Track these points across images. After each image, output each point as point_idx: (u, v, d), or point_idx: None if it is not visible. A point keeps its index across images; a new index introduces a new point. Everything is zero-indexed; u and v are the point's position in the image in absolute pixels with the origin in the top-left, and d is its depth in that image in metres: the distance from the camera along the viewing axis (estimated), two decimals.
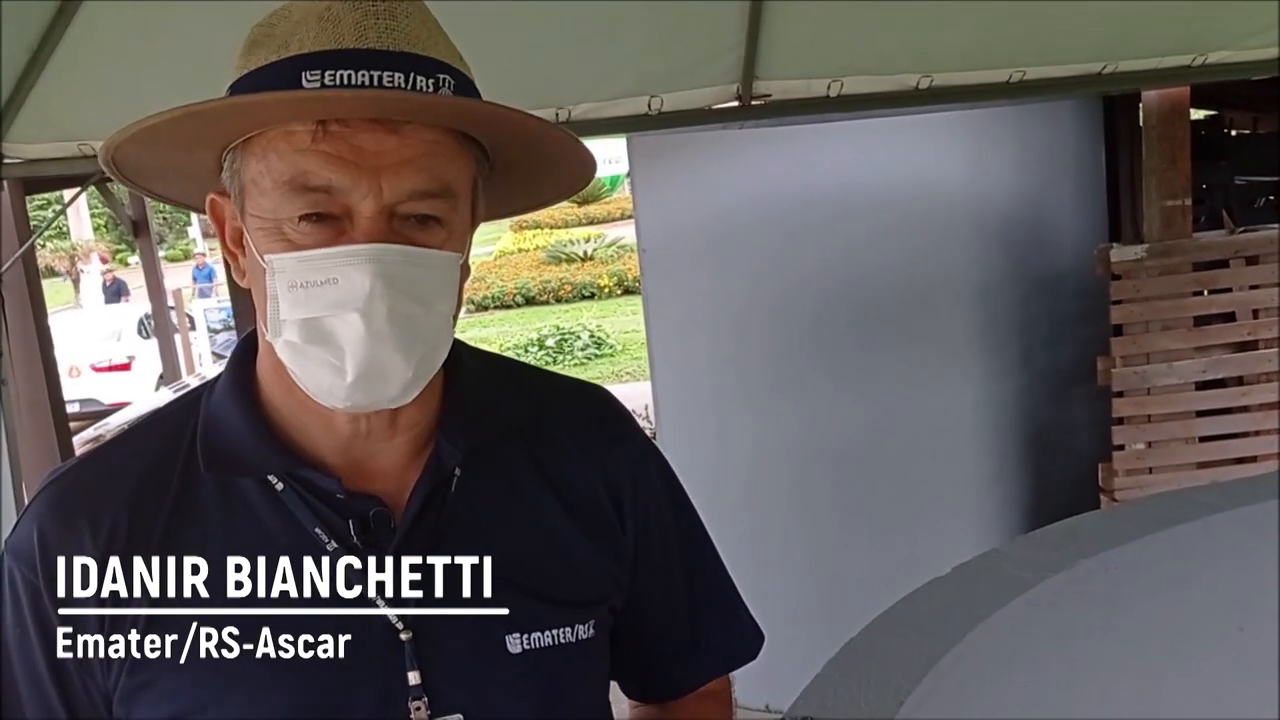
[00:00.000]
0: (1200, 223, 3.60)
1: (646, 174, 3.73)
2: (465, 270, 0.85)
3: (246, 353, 0.90)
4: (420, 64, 0.80)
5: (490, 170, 0.87)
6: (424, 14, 0.84)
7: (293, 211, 0.78)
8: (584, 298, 15.95)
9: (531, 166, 0.88)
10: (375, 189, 0.77)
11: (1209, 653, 1.49)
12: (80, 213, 19.83)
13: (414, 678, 0.83)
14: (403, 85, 0.78)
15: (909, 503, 3.57)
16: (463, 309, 0.85)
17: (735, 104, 2.82)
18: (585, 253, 18.20)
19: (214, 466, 0.85)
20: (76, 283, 18.60)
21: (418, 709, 0.82)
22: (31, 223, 3.57)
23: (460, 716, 0.84)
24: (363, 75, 0.77)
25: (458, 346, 0.90)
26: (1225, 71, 2.90)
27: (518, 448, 0.93)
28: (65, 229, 19.77)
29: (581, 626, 0.89)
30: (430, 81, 0.80)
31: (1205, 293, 3.38)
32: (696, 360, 3.57)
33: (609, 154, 25.02)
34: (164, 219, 24.05)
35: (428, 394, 0.86)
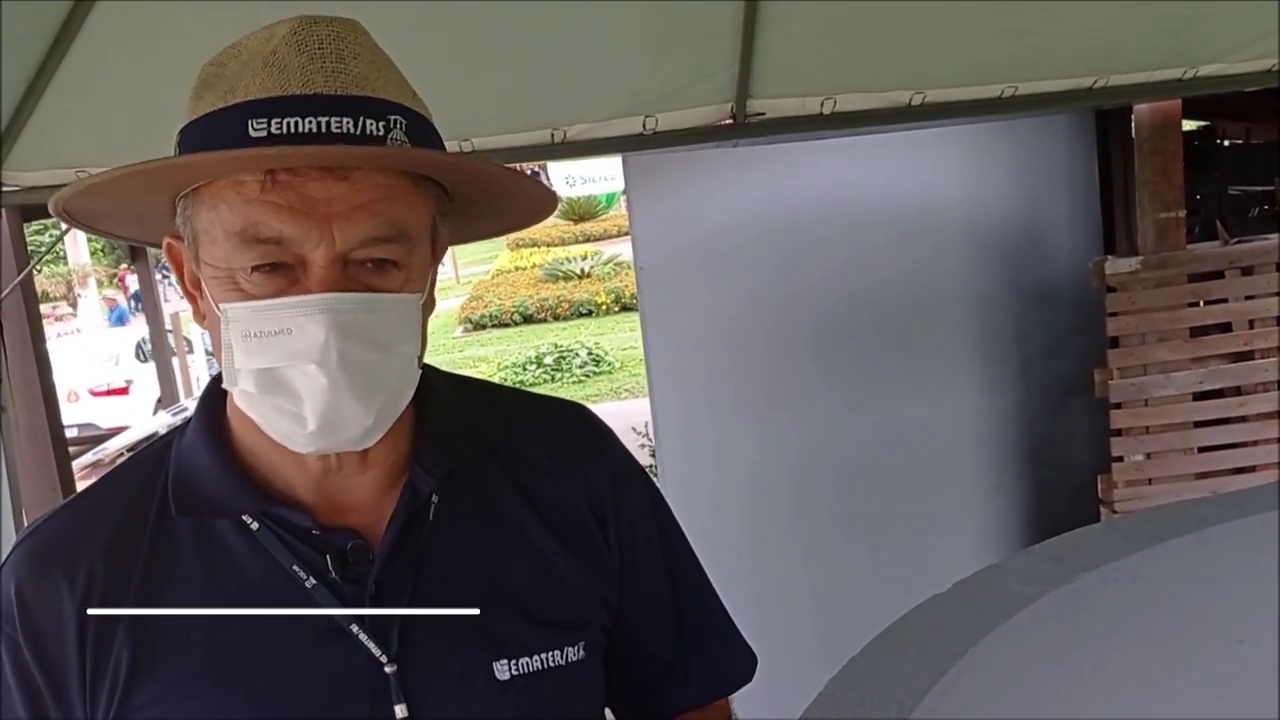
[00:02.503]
0: (1194, 233, 3.62)
1: (643, 192, 3.74)
2: (429, 306, 0.85)
3: (215, 394, 0.89)
4: (369, 107, 0.78)
5: (451, 201, 0.86)
6: (373, 52, 0.82)
7: (245, 262, 0.77)
8: (581, 315, 15.95)
9: (491, 201, 0.88)
10: (327, 237, 0.76)
11: (1211, 666, 1.49)
12: (78, 236, 19.86)
13: (401, 710, 0.82)
14: (351, 130, 0.77)
15: (909, 517, 3.57)
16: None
17: (729, 122, 2.83)
18: (582, 270, 18.21)
19: (186, 509, 0.84)
20: (74, 307, 18.59)
21: None
22: (29, 248, 3.57)
23: None
24: (310, 122, 0.76)
25: (428, 373, 0.89)
26: (1217, 84, 2.92)
27: (495, 470, 0.91)
28: (63, 254, 19.78)
29: (571, 649, 0.87)
30: (380, 125, 0.78)
31: (1201, 304, 3.39)
32: (695, 377, 3.57)
33: (605, 171, 25.10)
34: None
35: (399, 426, 0.85)
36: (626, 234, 3.58)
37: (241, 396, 0.79)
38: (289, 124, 0.76)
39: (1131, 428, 3.37)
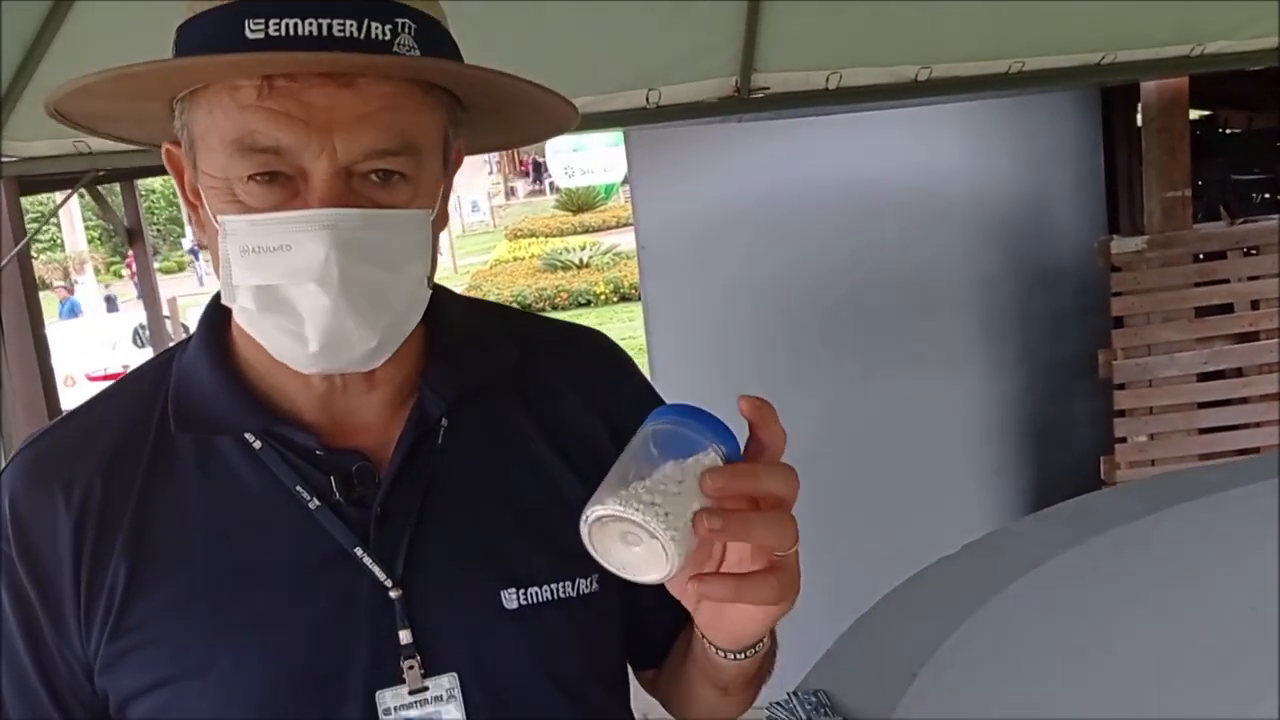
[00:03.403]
0: (1198, 218, 3.59)
1: (645, 170, 3.72)
2: (441, 222, 0.81)
3: (218, 310, 0.85)
4: (374, 9, 0.73)
5: (464, 111, 0.81)
6: None
7: (241, 172, 0.73)
8: (580, 305, 15.93)
9: (508, 112, 0.84)
10: (328, 148, 0.72)
11: (1220, 629, 1.48)
12: (75, 224, 19.81)
13: (405, 636, 0.79)
14: (355, 34, 0.72)
15: (911, 498, 3.55)
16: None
17: (734, 96, 2.81)
18: (581, 260, 18.18)
19: (186, 425, 0.81)
20: (71, 293, 18.55)
21: (410, 668, 0.79)
22: (28, 227, 3.55)
23: (455, 676, 0.80)
24: (310, 24, 0.71)
25: (439, 293, 0.86)
26: (1224, 61, 2.90)
27: (508, 394, 0.88)
28: (60, 241, 19.74)
29: (584, 581, 0.84)
30: (386, 29, 0.73)
31: (1206, 284, 3.37)
32: (697, 357, 3.55)
33: (604, 163, 25.09)
34: (158, 230, 24.00)
35: (407, 346, 0.82)
36: (625, 225, 3.56)
37: (241, 314, 0.75)
38: (288, 25, 0.71)
39: (1135, 409, 3.36)
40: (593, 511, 0.66)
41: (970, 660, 1.26)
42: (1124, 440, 3.37)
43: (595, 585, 0.84)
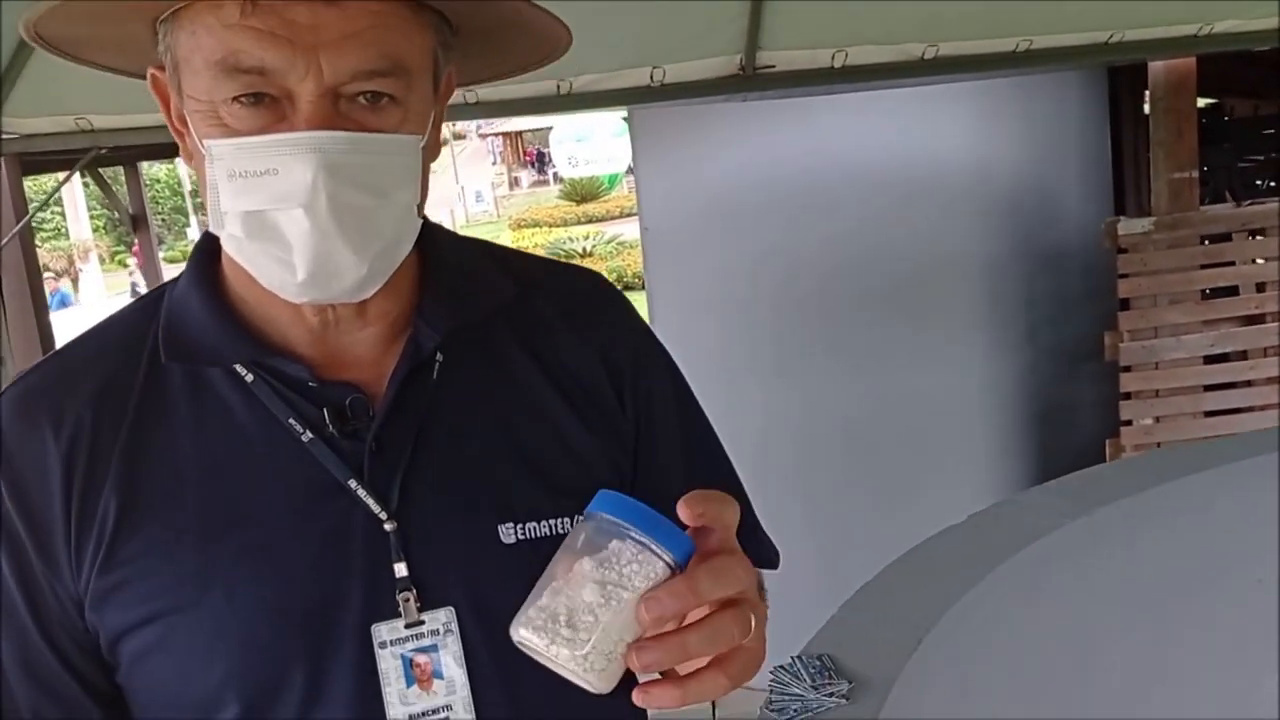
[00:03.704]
0: (1204, 203, 3.58)
1: (649, 151, 3.70)
2: (433, 150, 0.79)
3: (209, 244, 0.83)
4: None
5: (455, 35, 0.79)
6: None
7: (226, 94, 0.71)
8: None
9: (498, 36, 0.81)
10: (314, 69, 0.69)
11: (1226, 601, 1.47)
12: (79, 212, 19.81)
13: (401, 569, 0.78)
14: None
15: (914, 481, 3.54)
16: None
17: (739, 74, 2.79)
18: (584, 249, 18.18)
19: (177, 356, 0.80)
20: (75, 282, 18.54)
21: (406, 600, 0.77)
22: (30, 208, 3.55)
23: (452, 610, 0.78)
24: None
25: (432, 228, 0.85)
26: (1231, 41, 2.88)
27: (504, 331, 0.86)
28: (64, 229, 19.75)
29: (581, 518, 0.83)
30: None
31: (1210, 266, 3.35)
32: (700, 339, 3.54)
33: (608, 152, 25.06)
34: (163, 220, 23.98)
35: (400, 280, 0.80)
36: (629, 214, 3.55)
37: (229, 241, 0.74)
38: None
39: (1141, 391, 3.35)
40: (515, 634, 0.64)
41: (976, 626, 1.25)
42: (1129, 423, 3.36)
43: None
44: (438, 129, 0.80)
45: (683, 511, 0.63)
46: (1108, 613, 1.43)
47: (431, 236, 0.84)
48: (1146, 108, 3.66)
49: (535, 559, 0.78)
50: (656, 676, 0.66)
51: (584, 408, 0.85)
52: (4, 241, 2.57)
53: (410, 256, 0.81)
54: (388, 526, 0.78)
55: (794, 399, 3.56)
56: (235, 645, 0.75)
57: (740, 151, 3.52)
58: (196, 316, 0.81)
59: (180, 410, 0.79)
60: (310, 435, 0.78)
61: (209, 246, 0.84)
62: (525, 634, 0.63)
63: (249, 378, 0.79)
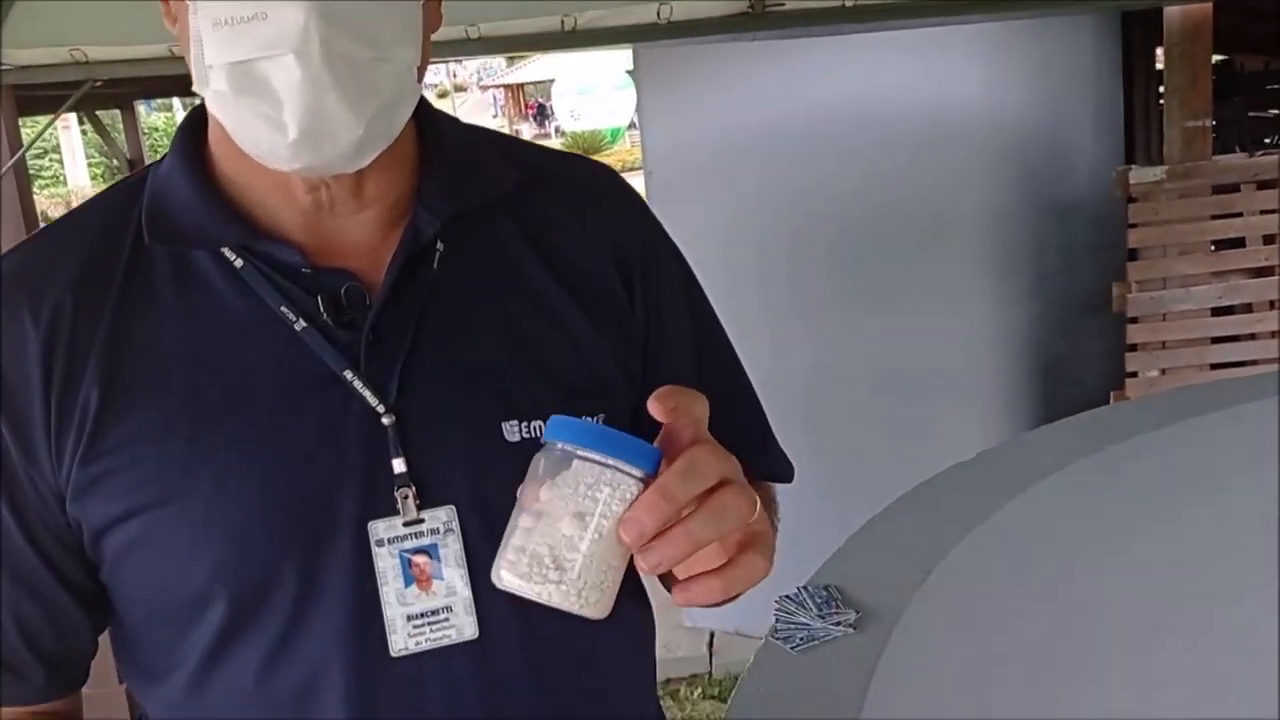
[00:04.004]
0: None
1: (653, 93, 3.64)
2: (434, 20, 0.74)
3: (196, 122, 0.79)
4: None
5: None
6: None
7: None
8: None
9: None
10: None
11: (1237, 540, 1.45)
12: (77, 159, 19.69)
13: (399, 465, 0.73)
14: None
15: (917, 431, 3.52)
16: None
17: (747, 13, 2.73)
18: None
19: (160, 236, 0.75)
20: None
21: (405, 497, 0.73)
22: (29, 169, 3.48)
23: (453, 508, 0.74)
24: None
25: (433, 111, 0.81)
26: None
27: (508, 222, 0.82)
28: (62, 176, 19.63)
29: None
30: None
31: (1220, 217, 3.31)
32: (703, 285, 3.50)
33: (611, 105, 24.86)
34: None
35: (398, 161, 0.77)
36: (633, 168, 3.49)
37: (214, 99, 0.68)
38: None
39: (1148, 343, 3.32)
40: (496, 581, 0.61)
41: (984, 561, 1.23)
42: (1135, 375, 3.33)
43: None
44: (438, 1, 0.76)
45: (654, 408, 0.61)
46: (1118, 550, 1.40)
47: (432, 118, 0.80)
48: (1159, 59, 3.60)
49: None
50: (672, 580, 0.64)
51: (591, 305, 0.81)
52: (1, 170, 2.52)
53: (409, 136, 0.77)
54: (385, 420, 0.74)
55: (798, 348, 3.52)
56: (224, 539, 0.71)
57: (745, 95, 3.46)
58: (182, 196, 0.76)
59: (165, 296, 0.75)
60: (304, 324, 0.74)
61: (195, 124, 0.79)
62: (510, 579, 0.60)
63: (238, 263, 0.75)
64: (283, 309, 0.74)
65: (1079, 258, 3.60)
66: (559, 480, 0.60)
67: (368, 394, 0.74)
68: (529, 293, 0.80)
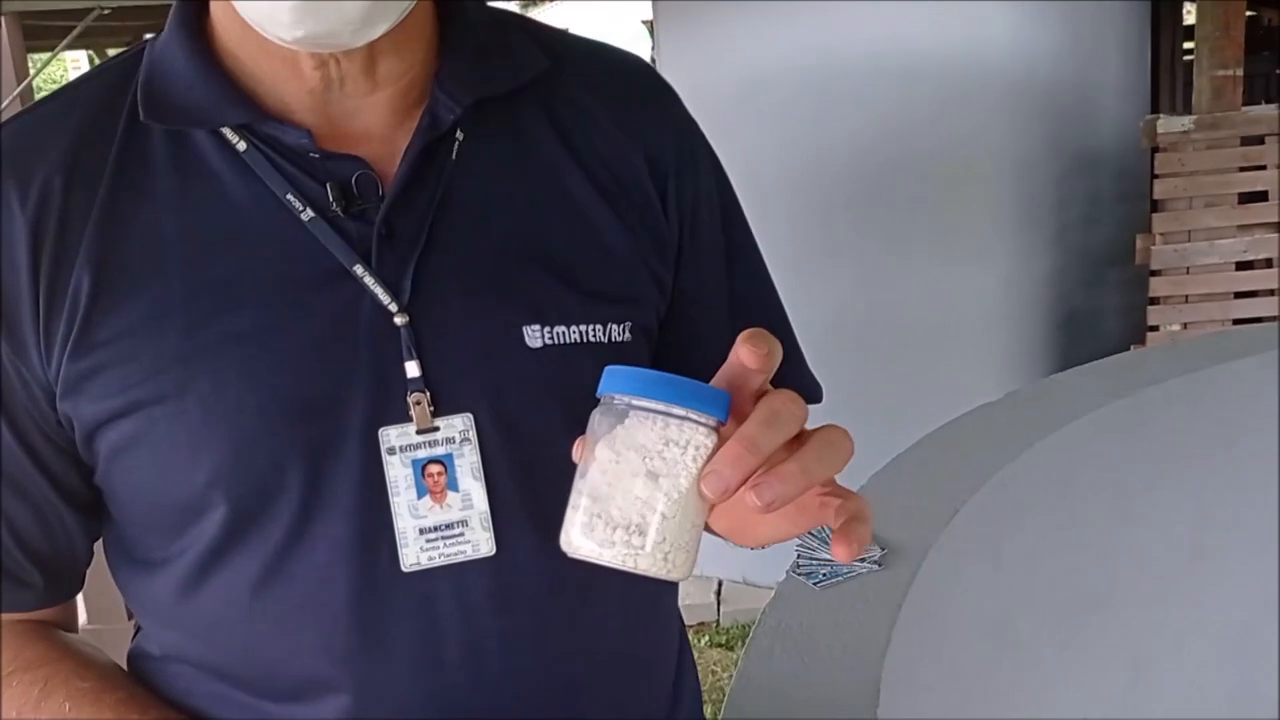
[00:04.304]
0: None
1: (670, 43, 3.57)
2: None
3: None
4: None
5: None
6: None
7: None
8: None
9: None
10: None
11: (1266, 486, 1.41)
12: None
13: (412, 369, 0.68)
14: None
15: (930, 382, 3.47)
16: None
17: None
18: None
19: (157, 114, 0.69)
20: None
21: (418, 404, 0.68)
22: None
23: (470, 417, 0.69)
24: None
25: None
26: None
27: (535, 112, 0.76)
28: None
29: (616, 327, 0.73)
30: None
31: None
32: None
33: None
34: None
35: (415, 40, 0.71)
36: None
37: None
38: None
39: (1170, 296, 3.26)
40: (570, 550, 0.56)
41: (1013, 500, 1.19)
42: (1156, 329, 3.28)
43: (628, 334, 0.73)
44: None
45: (746, 354, 0.54)
46: (1147, 494, 1.36)
47: None
48: (1186, 10, 3.52)
49: (563, 367, 0.70)
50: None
51: (622, 206, 0.75)
52: (4, 104, 2.48)
53: (428, 14, 0.72)
54: (398, 320, 0.68)
55: (815, 294, 3.46)
56: (224, 439, 0.66)
57: (767, 41, 3.39)
58: (181, 72, 0.70)
59: (163, 179, 0.69)
60: (311, 214, 0.68)
61: None
62: (589, 548, 0.55)
63: (240, 145, 0.69)
64: (288, 197, 0.68)
65: (1102, 209, 3.54)
66: (623, 437, 0.55)
67: (379, 291, 0.68)
68: (557, 190, 0.74)
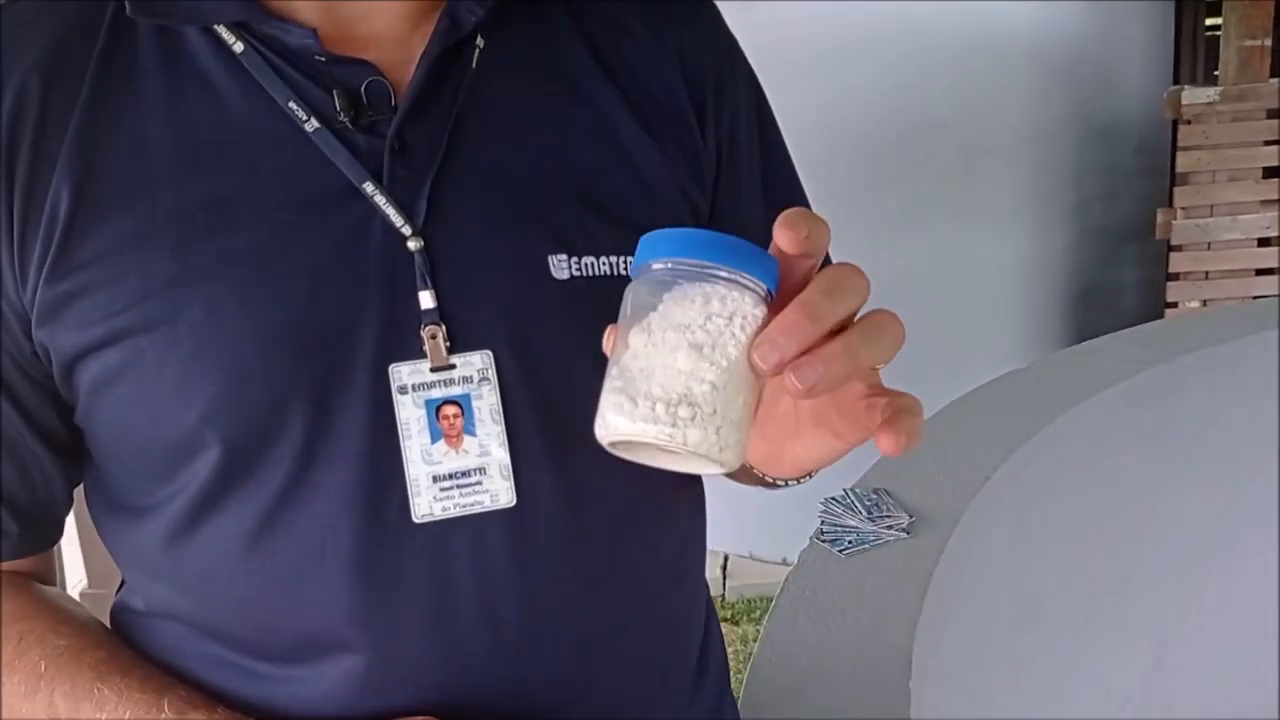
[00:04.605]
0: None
1: None
2: None
3: None
4: None
5: None
6: None
7: None
8: None
9: None
10: None
11: None
12: None
13: (427, 299, 0.62)
14: None
15: (946, 358, 3.41)
16: None
17: None
18: None
19: (144, 9, 0.63)
20: None
21: (433, 338, 0.62)
22: None
23: (490, 354, 0.63)
24: None
25: None
26: None
27: (564, 21, 0.70)
28: None
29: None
30: None
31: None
32: None
33: None
34: None
35: None
36: None
37: None
38: None
39: (1190, 272, 3.20)
40: (607, 434, 0.48)
41: (1045, 470, 1.14)
42: (1175, 305, 3.23)
43: None
44: None
45: (782, 236, 0.47)
46: (1179, 465, 1.31)
47: None
48: None
49: (591, 301, 0.63)
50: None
51: (657, 126, 0.69)
52: None
53: None
54: (412, 245, 0.61)
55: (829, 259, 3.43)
56: (218, 372, 0.60)
57: (783, 11, 3.32)
58: None
59: (150, 82, 0.62)
60: (316, 124, 0.61)
61: None
62: (626, 426, 0.47)
63: (237, 46, 0.62)
64: (291, 105, 0.62)
65: (1122, 182, 3.48)
66: (658, 320, 0.48)
67: (391, 212, 0.62)
68: (586, 108, 0.68)
